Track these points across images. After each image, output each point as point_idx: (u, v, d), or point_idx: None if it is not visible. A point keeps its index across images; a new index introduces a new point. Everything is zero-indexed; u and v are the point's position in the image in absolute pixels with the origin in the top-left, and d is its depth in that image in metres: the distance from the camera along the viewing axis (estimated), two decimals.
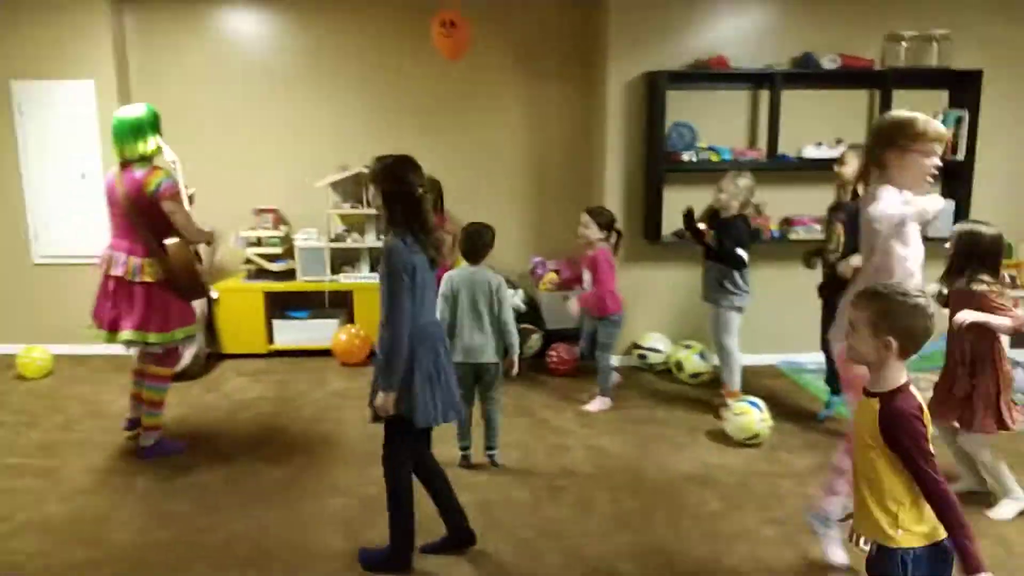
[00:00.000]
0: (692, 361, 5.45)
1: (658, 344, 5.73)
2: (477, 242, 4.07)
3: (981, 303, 3.62)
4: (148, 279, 4.15)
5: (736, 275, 4.71)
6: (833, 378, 4.85)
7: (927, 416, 2.22)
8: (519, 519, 3.67)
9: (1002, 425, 3.61)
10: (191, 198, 4.38)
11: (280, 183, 6.23)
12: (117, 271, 4.18)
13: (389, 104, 6.21)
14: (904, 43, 5.59)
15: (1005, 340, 3.74)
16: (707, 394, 5.10)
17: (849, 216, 4.40)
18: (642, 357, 5.71)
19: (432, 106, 6.23)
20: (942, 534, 2.23)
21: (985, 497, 3.77)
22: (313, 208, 6.16)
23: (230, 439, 4.62)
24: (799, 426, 4.77)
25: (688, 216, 4.78)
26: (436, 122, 6.24)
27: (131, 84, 6.11)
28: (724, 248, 4.64)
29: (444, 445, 4.19)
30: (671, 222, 5.68)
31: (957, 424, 3.69)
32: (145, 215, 4.10)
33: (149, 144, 4.11)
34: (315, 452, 4.43)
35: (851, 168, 4.46)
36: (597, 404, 5.04)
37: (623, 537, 3.51)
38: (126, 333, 4.19)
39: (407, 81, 6.18)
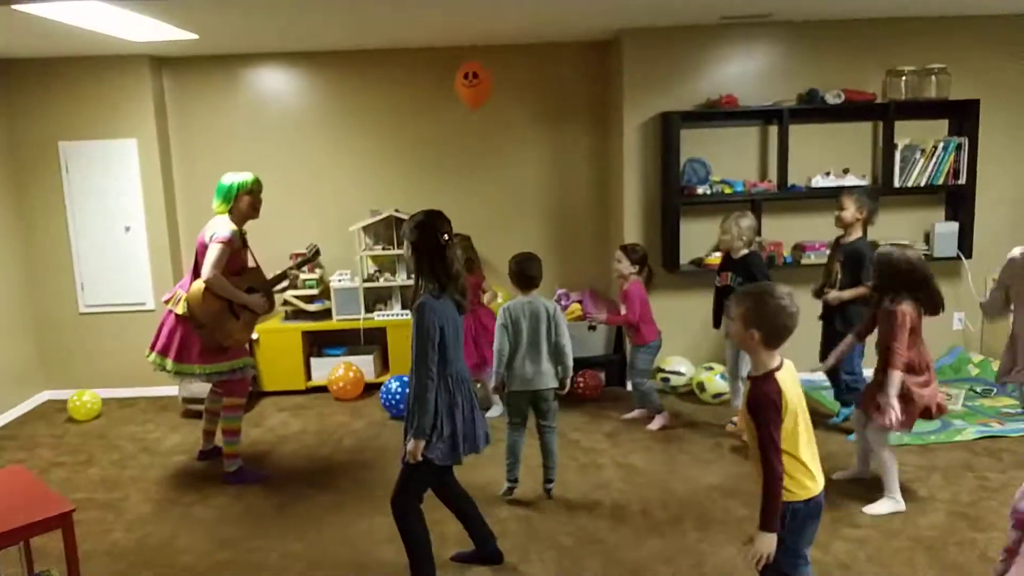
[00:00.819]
0: (714, 382, 5.66)
1: (680, 367, 5.96)
2: (528, 271, 4.19)
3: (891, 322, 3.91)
4: (179, 311, 4.50)
5: None
6: (841, 394, 5.21)
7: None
8: (559, 528, 3.91)
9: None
10: (286, 275, 4.95)
11: (314, 228, 6.53)
12: (166, 297, 4.65)
13: (417, 151, 6.55)
14: (904, 77, 5.86)
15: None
16: (730, 413, 5.31)
17: (846, 255, 4.91)
18: (665, 380, 5.93)
19: (457, 151, 6.56)
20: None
21: (865, 485, 4.24)
22: (346, 251, 6.46)
23: (277, 469, 4.87)
24: (817, 436, 4.96)
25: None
26: (462, 166, 6.56)
27: (171, 141, 6.48)
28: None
29: (488, 467, 4.44)
30: (688, 252, 5.96)
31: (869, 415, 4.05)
32: (201, 257, 4.48)
33: (225, 205, 4.55)
34: (359, 477, 4.68)
35: (849, 212, 4.95)
36: (658, 422, 5.29)
37: (655, 542, 3.73)
38: (152, 355, 4.62)
39: (433, 129, 6.51)
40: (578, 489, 4.37)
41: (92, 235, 6.38)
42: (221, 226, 4.46)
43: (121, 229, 6.39)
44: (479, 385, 5.34)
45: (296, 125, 6.52)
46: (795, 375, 2.65)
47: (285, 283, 4.99)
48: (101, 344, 6.45)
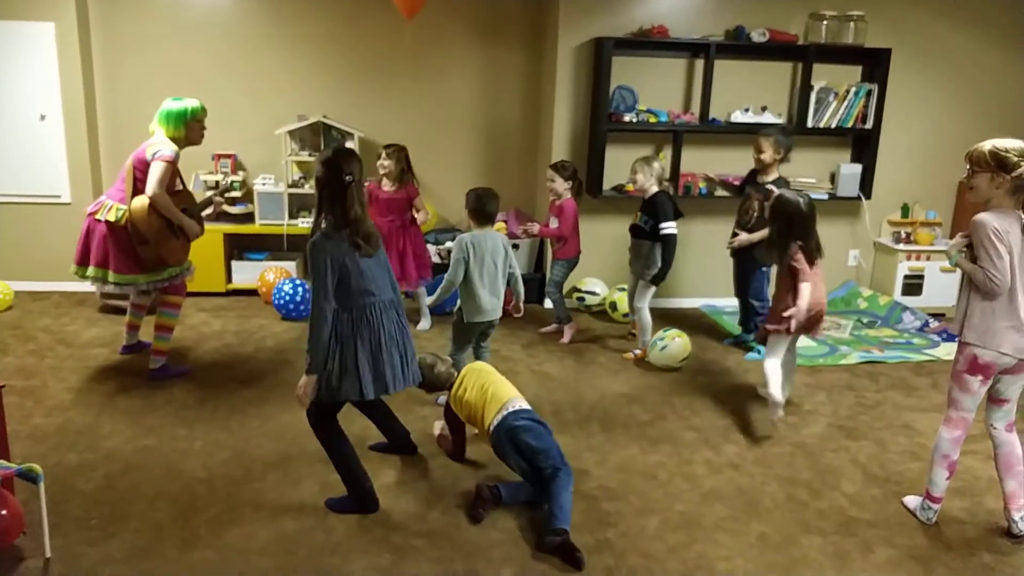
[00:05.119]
0: (625, 302, 5.89)
1: (595, 288, 6.23)
2: (489, 207, 4.23)
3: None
4: (110, 218, 4.45)
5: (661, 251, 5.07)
6: (745, 320, 5.55)
7: None
8: None
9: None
10: (211, 201, 4.96)
11: (238, 131, 6.44)
12: (91, 208, 4.55)
13: (348, 58, 6.48)
14: (825, 21, 6.11)
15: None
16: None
17: (765, 196, 4.97)
18: (580, 299, 6.20)
19: (390, 62, 6.52)
20: None
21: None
22: (271, 155, 6.42)
23: (200, 365, 4.95)
24: (715, 356, 5.38)
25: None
26: (394, 76, 6.54)
27: (91, 28, 6.25)
28: (656, 228, 4.99)
29: None
30: (612, 178, 6.15)
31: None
32: (140, 172, 4.42)
33: (178, 131, 4.50)
34: (282, 375, 4.80)
35: (768, 154, 5.18)
36: (568, 333, 5.57)
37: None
38: (90, 269, 4.54)
39: (365, 36, 6.44)
40: None
41: (4, 122, 6.14)
42: (165, 145, 4.41)
43: (36, 116, 6.18)
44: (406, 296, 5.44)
45: (224, 21, 6.35)
46: None
47: (210, 210, 5.01)
48: (11, 235, 6.27)
